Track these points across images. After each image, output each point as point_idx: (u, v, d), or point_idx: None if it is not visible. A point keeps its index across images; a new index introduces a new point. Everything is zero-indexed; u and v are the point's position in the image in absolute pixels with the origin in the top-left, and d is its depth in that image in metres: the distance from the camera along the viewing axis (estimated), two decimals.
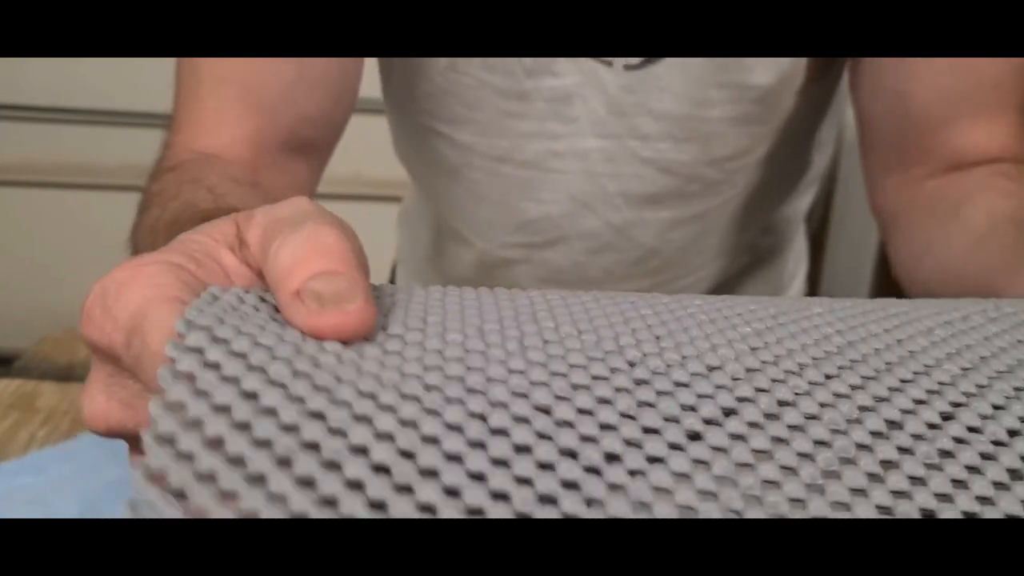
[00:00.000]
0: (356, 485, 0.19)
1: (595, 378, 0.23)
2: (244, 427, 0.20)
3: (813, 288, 1.79)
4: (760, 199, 0.70)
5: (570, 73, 0.61)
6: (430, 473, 0.19)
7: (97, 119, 1.78)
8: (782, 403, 0.22)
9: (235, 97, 0.56)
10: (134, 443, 0.30)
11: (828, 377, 0.23)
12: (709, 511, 0.19)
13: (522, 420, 0.21)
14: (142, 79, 1.70)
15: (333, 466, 0.19)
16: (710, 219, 0.68)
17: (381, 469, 0.19)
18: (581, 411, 0.22)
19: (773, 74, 0.61)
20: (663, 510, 0.18)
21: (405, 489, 0.19)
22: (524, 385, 0.22)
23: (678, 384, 0.22)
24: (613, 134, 0.63)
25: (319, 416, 0.20)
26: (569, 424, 0.21)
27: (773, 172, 0.68)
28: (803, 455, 0.20)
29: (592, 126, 0.63)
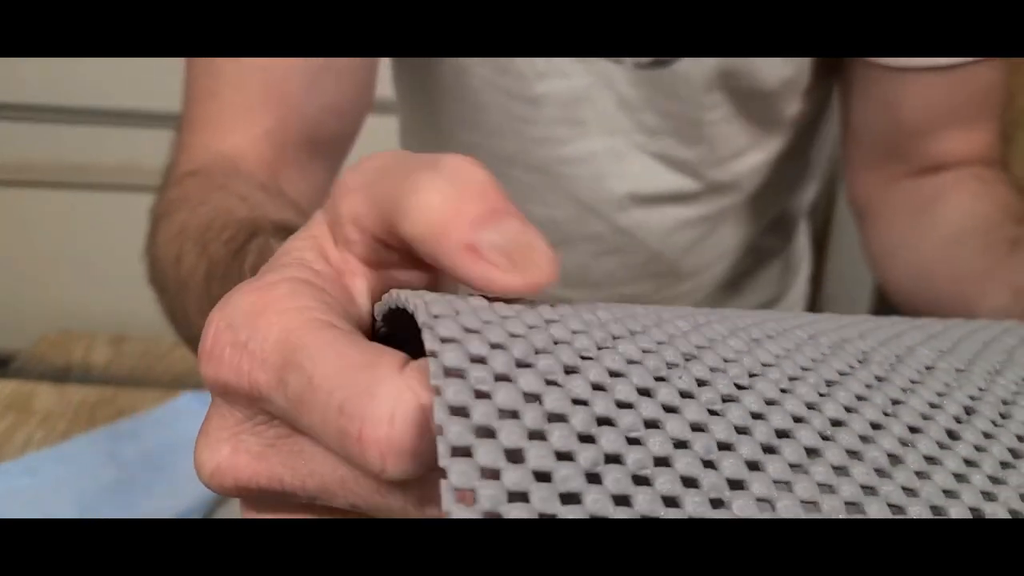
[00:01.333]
0: (671, 502, 0.18)
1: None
2: (539, 436, 0.18)
3: (816, 288, 1.79)
4: (764, 200, 0.68)
5: (580, 74, 0.61)
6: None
7: (95, 119, 1.77)
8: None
9: (258, 90, 0.53)
10: (257, 502, 0.25)
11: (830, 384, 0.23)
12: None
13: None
14: (142, 79, 1.70)
15: (641, 480, 0.18)
16: (715, 222, 0.68)
17: (689, 481, 0.18)
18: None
19: (779, 75, 0.61)
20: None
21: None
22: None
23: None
24: (620, 130, 0.63)
25: (608, 422, 0.19)
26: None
27: (776, 173, 0.70)
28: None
29: (599, 126, 0.63)
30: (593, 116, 0.63)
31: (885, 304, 1.64)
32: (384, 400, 0.19)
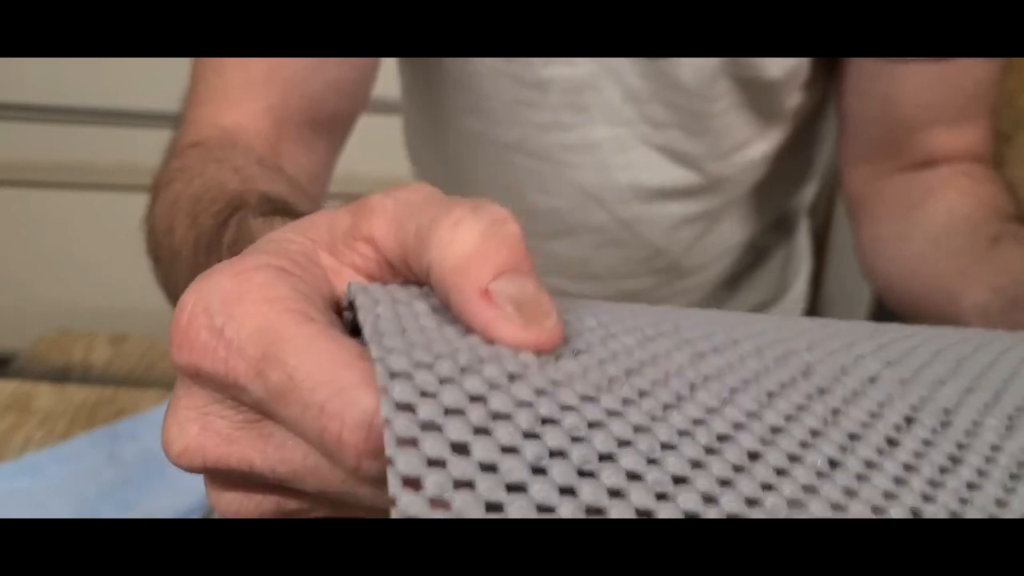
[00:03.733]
0: (616, 494, 0.19)
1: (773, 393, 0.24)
2: (484, 431, 0.19)
3: (816, 288, 1.79)
4: (765, 197, 0.70)
5: (586, 61, 0.61)
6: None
7: (94, 119, 1.77)
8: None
9: (261, 67, 0.53)
10: (223, 480, 0.25)
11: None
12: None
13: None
14: (142, 79, 1.70)
15: (586, 474, 0.19)
16: (716, 218, 0.68)
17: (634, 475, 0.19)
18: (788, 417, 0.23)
19: (782, 65, 0.61)
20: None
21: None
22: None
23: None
24: (626, 121, 0.63)
25: (552, 422, 0.20)
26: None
27: (778, 167, 0.68)
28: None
29: (605, 115, 0.63)
30: (598, 104, 0.63)
31: (884, 304, 1.63)
32: (365, 408, 0.20)
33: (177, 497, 0.61)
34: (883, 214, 0.62)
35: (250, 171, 0.46)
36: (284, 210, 0.40)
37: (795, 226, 0.77)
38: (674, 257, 0.69)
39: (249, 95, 0.53)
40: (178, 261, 0.44)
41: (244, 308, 0.22)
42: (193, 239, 0.43)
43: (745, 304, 0.76)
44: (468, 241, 0.21)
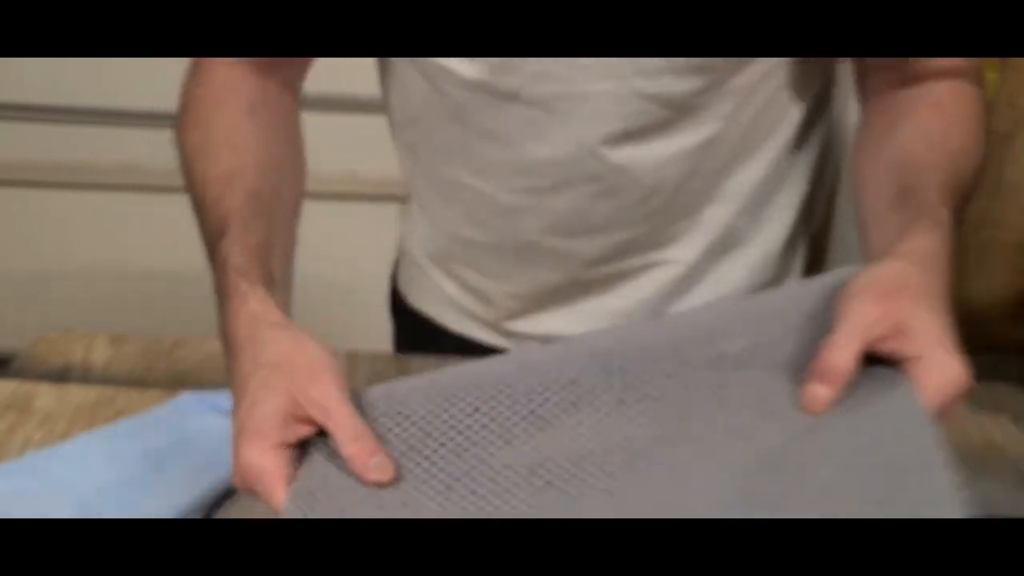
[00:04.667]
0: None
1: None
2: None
3: None
4: (748, 145, 0.70)
5: None
6: None
7: (95, 119, 1.77)
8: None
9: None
10: None
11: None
12: None
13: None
14: (143, 79, 1.70)
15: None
16: (700, 157, 0.68)
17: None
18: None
19: None
20: None
21: None
22: None
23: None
24: (619, 75, 0.64)
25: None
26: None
27: (763, 109, 0.69)
28: None
29: (598, 70, 0.64)
30: (591, 60, 0.64)
31: None
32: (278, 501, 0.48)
33: (177, 497, 0.62)
34: (864, 132, 0.66)
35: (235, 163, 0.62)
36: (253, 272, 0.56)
37: (782, 210, 0.77)
38: (665, 199, 0.70)
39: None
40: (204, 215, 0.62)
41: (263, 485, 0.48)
42: (207, 227, 0.61)
43: (740, 262, 0.76)
44: (345, 435, 0.48)
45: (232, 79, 0.66)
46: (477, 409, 0.48)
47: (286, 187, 0.65)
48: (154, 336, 0.84)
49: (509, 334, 0.80)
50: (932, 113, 0.62)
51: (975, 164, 0.61)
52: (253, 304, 0.53)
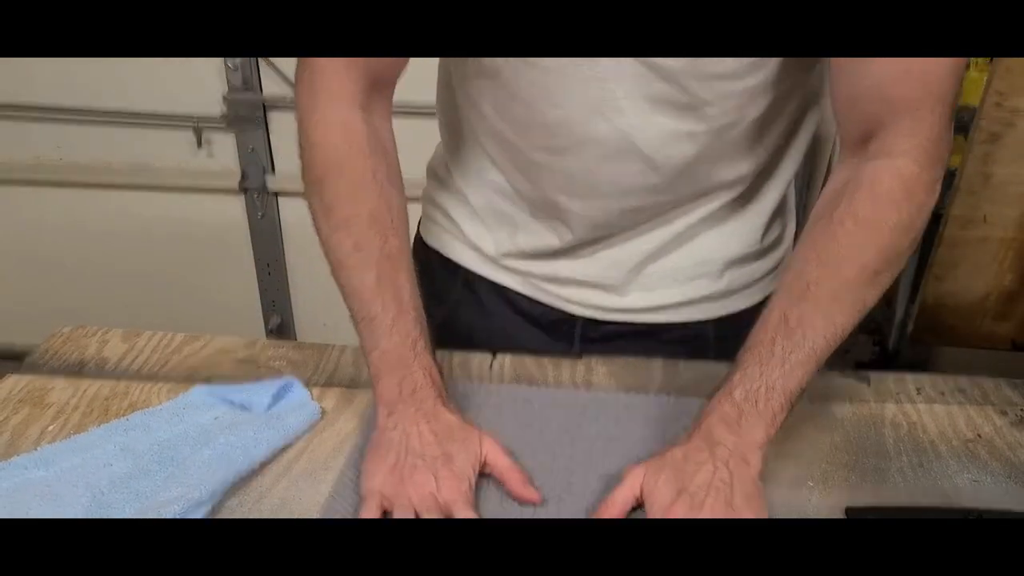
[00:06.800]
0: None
1: None
2: None
3: None
4: (753, 138, 0.74)
5: None
6: None
7: (111, 119, 1.78)
8: None
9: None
10: None
11: None
12: None
13: None
14: (151, 81, 1.71)
15: None
16: (703, 141, 0.72)
17: None
18: None
19: None
20: None
21: None
22: None
23: None
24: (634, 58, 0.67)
25: None
26: None
27: (766, 111, 0.72)
28: None
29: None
30: None
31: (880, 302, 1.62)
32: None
33: (188, 487, 0.63)
34: (819, 207, 0.69)
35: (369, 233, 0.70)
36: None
37: (783, 180, 0.81)
38: (667, 176, 0.73)
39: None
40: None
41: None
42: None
43: (729, 249, 0.80)
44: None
45: (346, 118, 0.71)
46: None
47: (404, 225, 0.73)
48: (167, 331, 0.84)
49: (507, 269, 0.85)
50: (864, 206, 0.65)
51: (886, 276, 0.66)
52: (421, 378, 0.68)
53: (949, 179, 1.44)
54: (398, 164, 0.74)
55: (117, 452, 0.67)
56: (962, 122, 1.44)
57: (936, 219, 1.31)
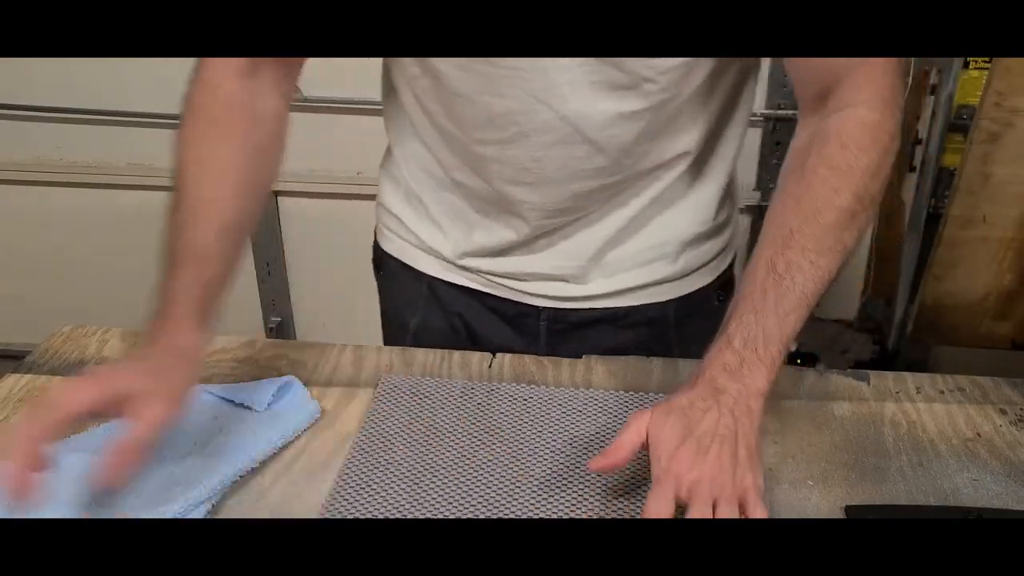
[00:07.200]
0: None
1: None
2: None
3: None
4: (689, 113, 0.75)
5: None
6: None
7: (111, 119, 1.78)
8: None
9: None
10: None
11: None
12: None
13: None
14: (150, 81, 1.71)
15: None
16: (645, 118, 0.73)
17: None
18: None
19: None
20: None
21: None
22: None
23: None
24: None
25: None
26: None
27: (705, 89, 0.74)
28: None
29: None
30: None
31: (877, 300, 1.63)
32: None
33: (188, 487, 0.63)
34: (788, 159, 0.72)
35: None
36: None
37: (727, 157, 0.82)
38: (613, 158, 0.74)
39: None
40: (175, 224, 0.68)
41: None
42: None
43: (682, 229, 0.82)
44: None
45: (229, 89, 0.72)
46: None
47: (258, 204, 0.73)
48: None
49: (467, 270, 0.86)
50: (826, 164, 0.68)
51: (861, 218, 0.68)
52: (180, 339, 0.64)
53: (949, 179, 1.44)
54: (277, 133, 0.75)
55: None
56: (962, 122, 1.44)
57: (936, 219, 1.32)
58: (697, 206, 0.82)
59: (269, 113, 0.74)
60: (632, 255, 0.82)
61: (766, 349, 0.64)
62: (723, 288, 0.89)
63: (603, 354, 0.83)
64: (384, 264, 0.92)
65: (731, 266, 0.91)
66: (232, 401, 0.73)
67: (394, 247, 0.90)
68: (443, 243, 0.85)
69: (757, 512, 0.57)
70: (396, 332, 0.93)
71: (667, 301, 0.85)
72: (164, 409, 0.59)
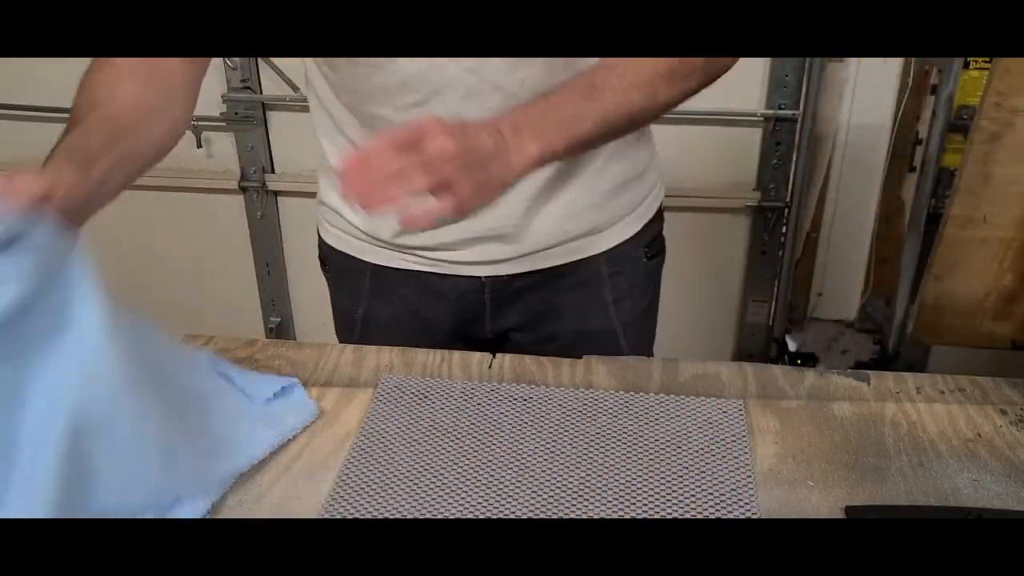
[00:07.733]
0: None
1: None
2: None
3: (808, 283, 1.79)
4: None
5: None
6: None
7: None
8: None
9: None
10: None
11: None
12: None
13: None
14: None
15: None
16: (548, 60, 0.75)
17: None
18: None
19: None
20: None
21: None
22: None
23: None
24: None
25: None
26: None
27: None
28: None
29: None
30: None
31: (877, 301, 1.63)
32: None
33: (187, 487, 0.63)
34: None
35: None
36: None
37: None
38: (525, 101, 0.74)
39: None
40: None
41: None
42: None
43: (606, 177, 0.85)
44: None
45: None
46: None
47: (148, 126, 0.78)
48: (162, 327, 0.84)
49: (406, 248, 0.88)
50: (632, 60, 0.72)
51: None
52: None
53: (949, 179, 1.45)
54: (147, 120, 0.79)
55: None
56: (962, 122, 1.44)
57: (936, 219, 1.32)
58: (618, 151, 0.84)
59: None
60: (565, 205, 0.84)
61: (553, 129, 0.67)
62: (651, 245, 0.92)
63: (543, 318, 0.87)
64: (329, 259, 0.95)
65: (658, 219, 0.93)
66: (232, 381, 0.73)
67: (336, 240, 0.92)
68: (379, 225, 0.87)
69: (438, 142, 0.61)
70: (346, 325, 0.95)
71: (599, 256, 0.88)
72: (39, 179, 0.64)
